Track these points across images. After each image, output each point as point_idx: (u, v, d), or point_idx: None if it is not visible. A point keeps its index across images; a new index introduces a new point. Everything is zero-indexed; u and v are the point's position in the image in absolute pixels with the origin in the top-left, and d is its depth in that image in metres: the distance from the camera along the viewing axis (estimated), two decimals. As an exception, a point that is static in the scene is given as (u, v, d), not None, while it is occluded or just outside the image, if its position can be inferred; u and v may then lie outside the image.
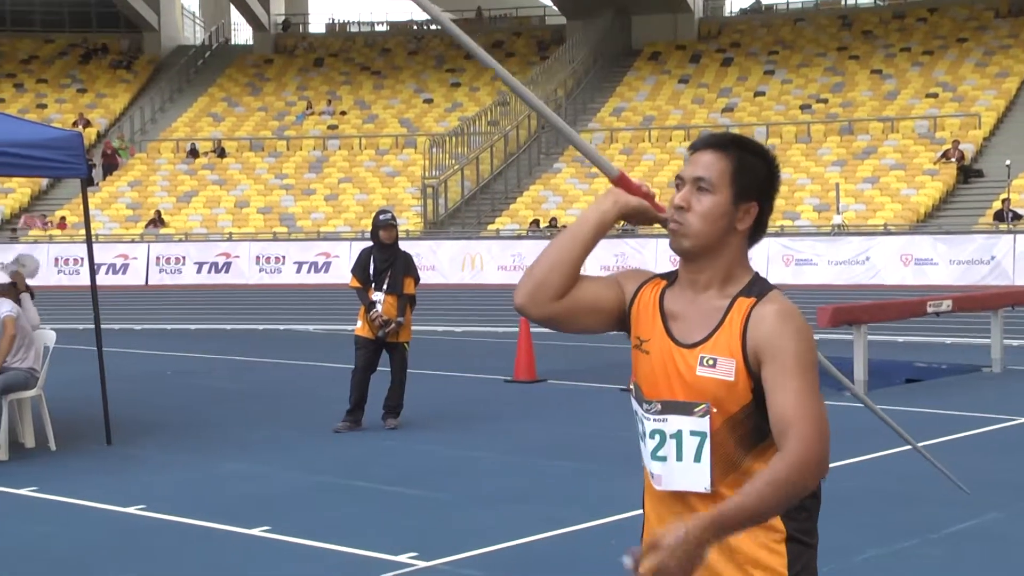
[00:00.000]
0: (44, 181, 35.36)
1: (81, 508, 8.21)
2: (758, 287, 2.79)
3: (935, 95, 33.43)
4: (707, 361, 2.74)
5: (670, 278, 2.90)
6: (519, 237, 28.77)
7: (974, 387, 13.56)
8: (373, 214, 11.81)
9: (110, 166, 36.41)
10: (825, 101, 34.44)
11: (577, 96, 37.10)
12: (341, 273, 23.98)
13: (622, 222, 2.94)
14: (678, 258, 2.87)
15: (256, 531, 7.44)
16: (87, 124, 38.79)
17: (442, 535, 7.33)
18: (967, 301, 15.07)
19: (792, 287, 23.09)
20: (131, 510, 8.04)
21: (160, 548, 7.23)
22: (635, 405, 2.89)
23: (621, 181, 2.89)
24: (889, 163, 30.56)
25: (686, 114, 35.35)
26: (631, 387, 2.91)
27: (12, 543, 7.40)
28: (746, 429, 2.73)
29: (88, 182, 12.18)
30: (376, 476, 9.07)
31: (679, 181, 2.83)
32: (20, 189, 35.60)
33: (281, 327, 22.14)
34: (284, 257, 28.71)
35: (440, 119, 37.72)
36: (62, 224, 32.84)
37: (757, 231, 2.83)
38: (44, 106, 40.30)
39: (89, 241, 10.99)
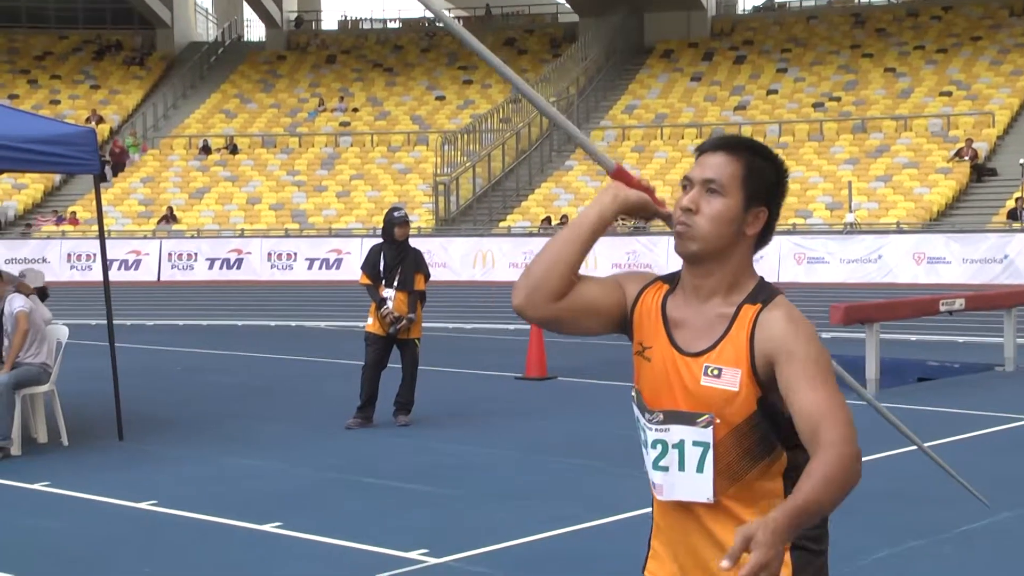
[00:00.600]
0: (57, 177, 35.46)
1: (93, 503, 8.23)
2: (764, 293, 2.72)
3: (949, 93, 33.32)
4: (712, 371, 2.67)
5: (672, 282, 2.82)
6: (530, 234, 28.76)
7: (987, 386, 13.52)
8: (385, 211, 11.83)
9: (119, 165, 36.48)
10: (838, 99, 34.36)
11: (589, 94, 37.07)
12: (352, 270, 23.99)
13: (632, 221, 2.91)
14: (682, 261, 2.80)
15: (267, 527, 7.46)
16: (100, 120, 38.89)
17: (452, 532, 7.33)
18: (980, 300, 15.02)
19: (804, 285, 23.06)
20: (143, 505, 8.06)
21: (171, 543, 7.24)
22: (637, 412, 2.83)
23: (619, 174, 2.82)
24: (902, 161, 30.48)
25: (698, 112, 35.29)
26: (633, 394, 2.84)
27: (24, 538, 7.42)
28: (752, 441, 2.67)
29: (101, 178, 12.20)
30: (387, 473, 9.08)
31: (687, 182, 2.75)
32: (33, 185, 35.70)
33: (292, 323, 22.17)
34: (296, 254, 28.74)
35: (452, 116, 37.72)
36: (74, 220, 32.92)
37: (764, 237, 2.77)
38: (57, 102, 40.40)
39: (102, 237, 11.02)
